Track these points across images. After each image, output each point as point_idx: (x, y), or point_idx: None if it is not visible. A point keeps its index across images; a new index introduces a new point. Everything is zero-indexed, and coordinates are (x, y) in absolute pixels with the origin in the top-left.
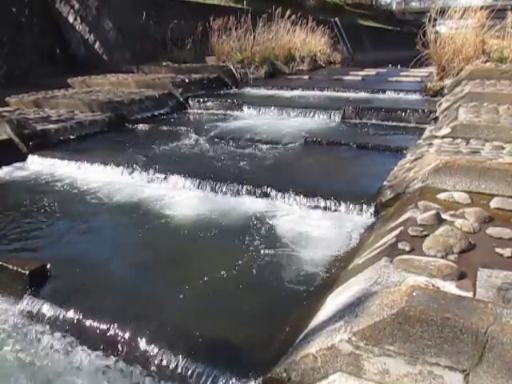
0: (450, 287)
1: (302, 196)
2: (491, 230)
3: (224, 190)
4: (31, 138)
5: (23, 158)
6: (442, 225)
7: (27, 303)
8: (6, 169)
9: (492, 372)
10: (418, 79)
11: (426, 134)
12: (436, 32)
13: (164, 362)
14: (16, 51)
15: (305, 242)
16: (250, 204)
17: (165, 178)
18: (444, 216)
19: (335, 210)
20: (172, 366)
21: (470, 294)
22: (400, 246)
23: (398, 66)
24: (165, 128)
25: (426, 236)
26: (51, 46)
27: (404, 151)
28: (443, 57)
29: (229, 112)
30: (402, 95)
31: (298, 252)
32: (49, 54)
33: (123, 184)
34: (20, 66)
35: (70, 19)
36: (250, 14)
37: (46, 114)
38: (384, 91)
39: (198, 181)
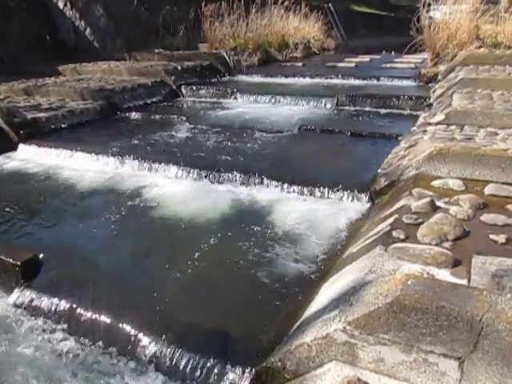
0: (444, 275)
1: (295, 184)
2: (485, 217)
3: (216, 178)
4: (22, 126)
5: (14, 147)
6: (437, 212)
7: (19, 294)
8: None
9: (487, 359)
10: (412, 65)
11: (420, 120)
12: (430, 17)
13: (157, 352)
14: (4, 38)
15: (298, 231)
16: (242, 192)
17: (156, 168)
18: (438, 203)
19: (330, 198)
20: (165, 355)
21: (465, 282)
22: (394, 233)
23: (392, 53)
24: (157, 116)
25: (420, 224)
26: (41, 33)
27: (398, 138)
28: (437, 42)
29: (222, 100)
30: (396, 82)
31: (289, 240)
32: (38, 41)
33: (115, 173)
34: (9, 53)
35: (60, 5)
36: (242, 0)
37: (36, 102)
38: (378, 78)
39: (190, 170)
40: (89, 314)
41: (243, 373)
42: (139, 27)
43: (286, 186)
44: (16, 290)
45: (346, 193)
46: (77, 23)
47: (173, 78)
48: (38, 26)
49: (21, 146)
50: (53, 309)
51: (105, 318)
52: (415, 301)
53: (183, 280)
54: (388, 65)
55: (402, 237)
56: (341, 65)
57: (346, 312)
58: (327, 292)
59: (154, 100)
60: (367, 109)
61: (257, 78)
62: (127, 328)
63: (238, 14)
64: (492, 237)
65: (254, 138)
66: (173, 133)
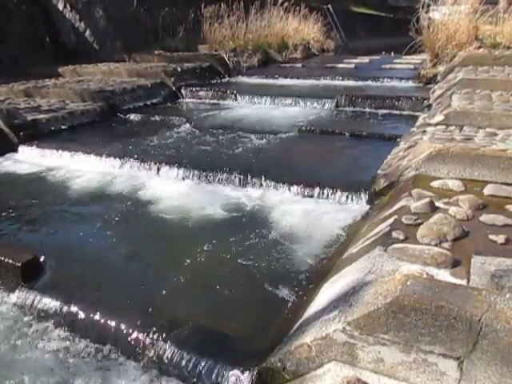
0: (444, 275)
1: (294, 185)
2: (485, 217)
3: (216, 180)
4: (22, 128)
5: (14, 149)
6: (436, 213)
7: (20, 294)
8: None
9: (486, 359)
10: (412, 66)
11: (420, 121)
12: (429, 18)
13: (158, 352)
14: (4, 39)
15: (298, 232)
16: (242, 193)
17: (156, 169)
18: (438, 204)
19: (329, 199)
20: (166, 355)
21: (464, 282)
22: (394, 234)
23: (392, 54)
24: (157, 118)
25: (419, 224)
26: (41, 34)
27: (398, 139)
28: (436, 43)
29: (222, 101)
30: (395, 83)
31: (289, 241)
32: (38, 42)
33: (115, 174)
34: (9, 54)
35: (60, 7)
36: (242, 2)
37: (36, 104)
38: (377, 79)
39: (189, 171)
40: (88, 314)
41: (243, 373)
42: (139, 29)
43: (285, 186)
44: (17, 290)
45: (345, 194)
46: (76, 25)
47: (172, 79)
48: (37, 27)
49: (21, 148)
50: (53, 309)
51: (104, 318)
52: (414, 301)
53: (182, 280)
54: (387, 66)
55: (401, 237)
56: (340, 66)
57: (345, 312)
58: (327, 292)
59: (154, 101)
60: (367, 110)
61: (256, 80)
62: (126, 327)
63: (238, 15)
64: (491, 237)
65: (253, 139)
66: (173, 134)
